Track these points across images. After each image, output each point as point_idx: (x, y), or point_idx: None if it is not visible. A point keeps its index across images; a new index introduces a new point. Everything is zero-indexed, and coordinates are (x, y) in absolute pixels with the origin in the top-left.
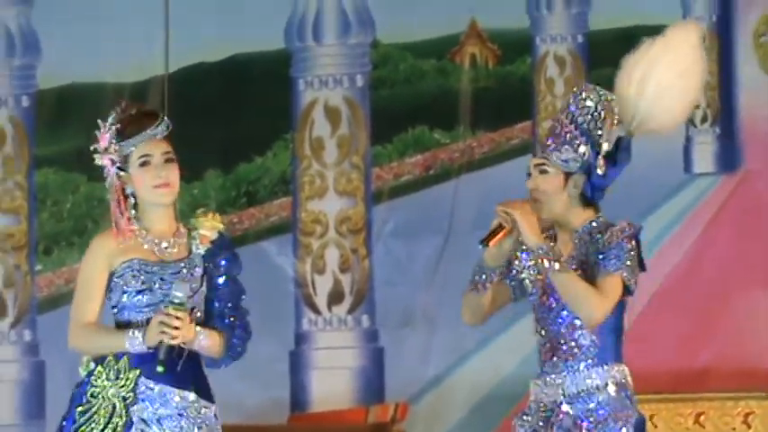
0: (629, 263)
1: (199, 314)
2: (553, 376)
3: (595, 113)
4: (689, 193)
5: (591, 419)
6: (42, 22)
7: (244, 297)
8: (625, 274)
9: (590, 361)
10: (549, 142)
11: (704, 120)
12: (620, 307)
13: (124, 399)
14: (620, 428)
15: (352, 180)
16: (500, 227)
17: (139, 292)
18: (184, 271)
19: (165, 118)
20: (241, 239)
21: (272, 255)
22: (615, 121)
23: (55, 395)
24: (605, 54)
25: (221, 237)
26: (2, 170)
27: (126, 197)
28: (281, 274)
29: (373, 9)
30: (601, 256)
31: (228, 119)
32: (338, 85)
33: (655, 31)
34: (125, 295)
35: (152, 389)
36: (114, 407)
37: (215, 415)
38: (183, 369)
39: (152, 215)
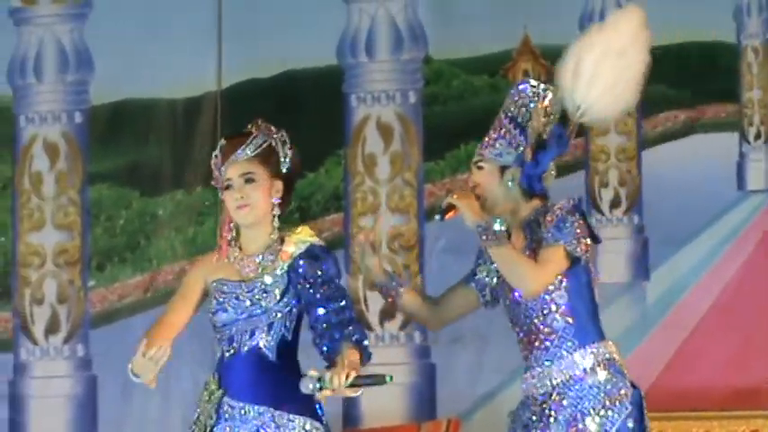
0: (570, 233)
1: (286, 330)
2: (538, 369)
3: (531, 104)
4: (742, 210)
5: (586, 410)
6: (95, 38)
7: (344, 300)
8: (564, 242)
9: (570, 344)
10: (486, 139)
11: (758, 136)
12: (585, 281)
13: (209, 418)
14: (620, 411)
15: (404, 196)
16: (451, 205)
17: (217, 310)
18: (258, 287)
19: (258, 138)
20: None
21: None
22: (547, 111)
23: (107, 410)
24: (658, 71)
25: (309, 248)
26: (56, 186)
27: (230, 220)
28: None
29: (426, 25)
30: (546, 234)
31: None
32: (391, 101)
33: (707, 47)
34: (210, 315)
35: (233, 407)
36: (206, 427)
37: (305, 428)
38: (261, 383)
39: (244, 235)
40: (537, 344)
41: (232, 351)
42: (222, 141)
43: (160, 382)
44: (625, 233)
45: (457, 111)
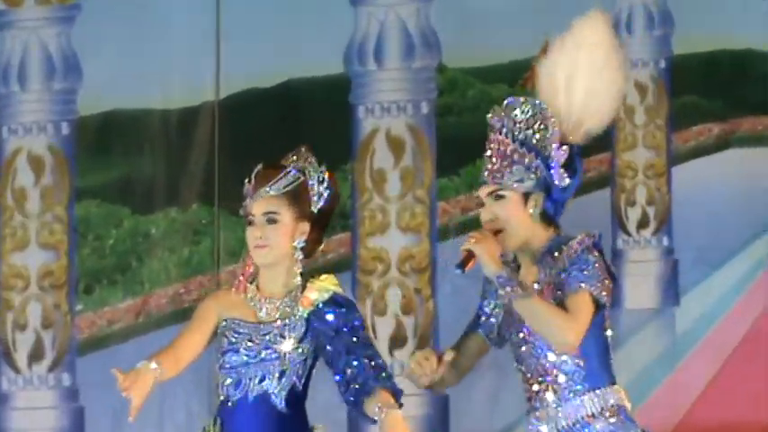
0: (593, 276)
1: (297, 378)
2: (544, 412)
3: (535, 125)
4: None
5: None
6: (84, 43)
7: (371, 348)
8: (591, 288)
9: (579, 387)
10: (497, 166)
11: None
12: (600, 323)
13: None
14: None
15: (416, 215)
16: (471, 252)
17: (228, 351)
18: (274, 332)
19: (290, 175)
20: None
21: None
22: (548, 126)
23: None
24: (689, 80)
25: (333, 296)
26: (41, 202)
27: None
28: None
29: (439, 31)
30: (564, 275)
31: (283, 148)
32: (401, 112)
33: (738, 56)
34: (219, 355)
35: None
36: None
37: None
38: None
39: (263, 275)
40: (543, 385)
41: (238, 396)
42: (258, 168)
43: (153, 413)
44: (653, 255)
45: (473, 123)
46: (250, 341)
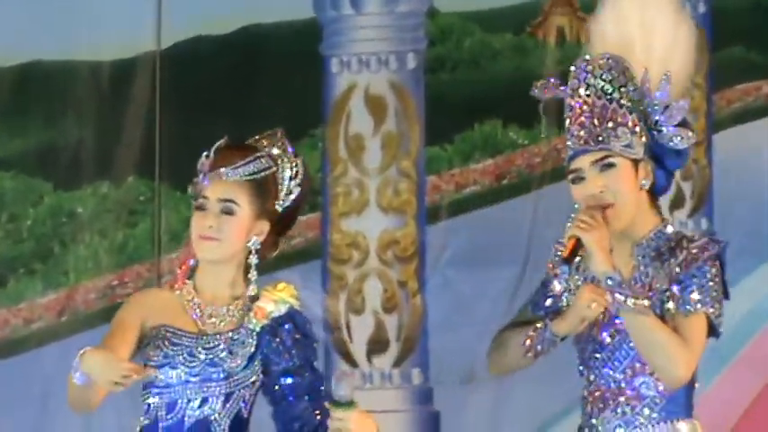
0: (714, 294)
1: (243, 403)
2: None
3: (628, 82)
4: None
5: None
6: None
7: (322, 388)
8: (711, 310)
9: (655, 416)
10: (597, 129)
11: None
12: None
13: None
14: None
15: (400, 192)
16: (577, 241)
17: (163, 365)
18: (221, 346)
19: (261, 161)
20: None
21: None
22: (648, 85)
23: None
24: (734, 29)
25: (291, 312)
26: None
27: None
28: (305, 313)
29: None
30: (677, 287)
31: (238, 110)
32: (383, 66)
33: None
34: (150, 368)
35: None
36: None
37: None
38: None
39: (203, 273)
40: (612, 404)
41: (171, 421)
42: (222, 142)
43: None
44: None
45: (470, 80)
46: (191, 355)
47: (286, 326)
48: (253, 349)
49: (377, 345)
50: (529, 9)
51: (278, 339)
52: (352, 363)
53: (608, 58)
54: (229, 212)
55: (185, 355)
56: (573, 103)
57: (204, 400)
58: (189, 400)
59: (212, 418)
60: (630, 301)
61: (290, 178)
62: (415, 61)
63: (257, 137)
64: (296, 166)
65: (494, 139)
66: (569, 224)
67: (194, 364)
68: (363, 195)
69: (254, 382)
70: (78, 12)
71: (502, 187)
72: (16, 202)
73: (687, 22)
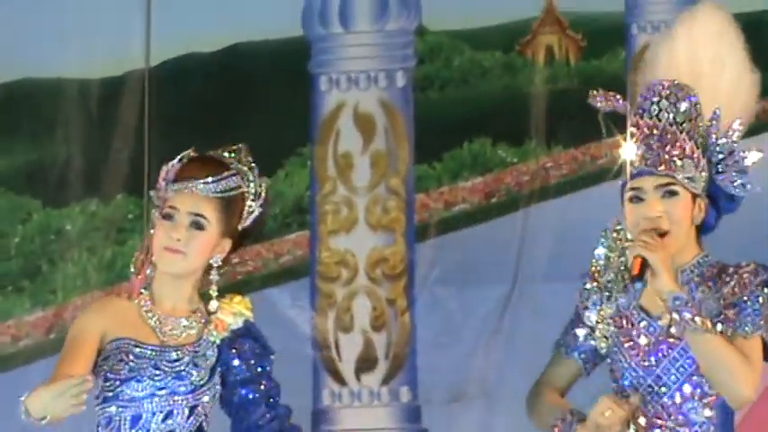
0: (764, 318)
1: (205, 415)
2: None
3: (697, 116)
4: None
5: None
6: None
7: (279, 398)
8: (765, 333)
9: None
10: (665, 155)
11: None
12: None
13: None
14: None
15: (389, 210)
16: (643, 260)
17: (128, 380)
18: (185, 359)
19: (233, 179)
20: (242, 286)
21: (282, 306)
22: (717, 124)
23: None
24: None
25: (249, 325)
26: None
27: (149, 251)
28: (294, 331)
29: None
30: (732, 311)
31: (227, 127)
32: (372, 84)
33: None
34: (106, 383)
35: None
36: None
37: None
38: None
39: (163, 284)
40: (655, 429)
41: None
42: (190, 152)
43: None
44: None
45: (459, 98)
46: (156, 368)
47: (245, 338)
48: (214, 361)
49: (365, 363)
50: (518, 28)
51: (237, 351)
52: (341, 381)
53: (684, 88)
54: (199, 227)
55: (150, 368)
56: (641, 122)
57: (169, 414)
58: (154, 414)
59: (177, 431)
60: (698, 320)
61: (254, 199)
62: (405, 79)
63: (220, 150)
64: (260, 186)
65: (483, 157)
66: (630, 246)
67: (160, 377)
68: (352, 213)
69: (214, 396)
70: (67, 29)
71: (491, 205)
72: (4, 220)
73: (752, 70)
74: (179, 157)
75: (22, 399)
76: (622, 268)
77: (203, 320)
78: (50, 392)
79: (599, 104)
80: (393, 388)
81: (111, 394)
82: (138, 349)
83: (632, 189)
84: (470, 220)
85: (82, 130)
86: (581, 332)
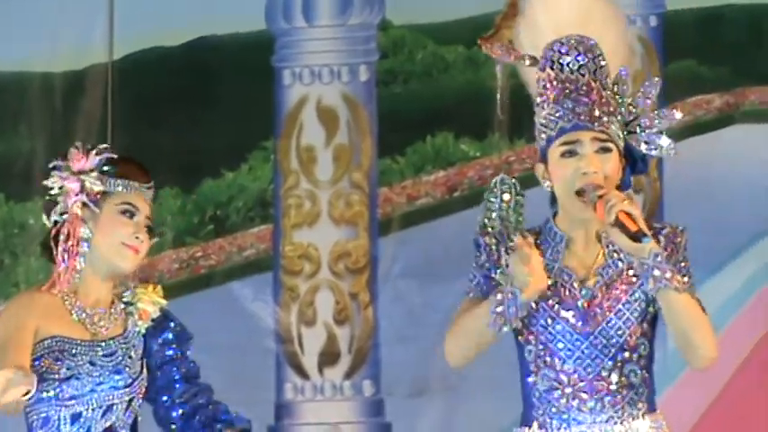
0: (693, 279)
1: (138, 406)
2: (584, 426)
3: (607, 71)
4: None
5: None
6: None
7: (199, 377)
8: (698, 296)
9: (639, 405)
10: (597, 111)
11: None
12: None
13: None
14: None
15: (352, 204)
16: (629, 214)
17: (68, 378)
18: (119, 352)
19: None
20: (206, 280)
21: (245, 300)
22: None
23: None
24: (685, 42)
25: (167, 312)
26: None
27: (78, 240)
28: (257, 325)
29: None
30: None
31: (191, 121)
32: (335, 78)
33: (751, 11)
34: (44, 384)
35: None
36: None
37: None
38: None
39: (95, 277)
40: (590, 398)
41: None
42: (126, 156)
43: None
44: None
45: (422, 92)
46: (92, 364)
47: (165, 323)
48: (141, 353)
49: (328, 356)
50: (481, 22)
51: (160, 337)
52: (304, 374)
53: (595, 44)
54: (151, 232)
55: (87, 365)
56: (561, 75)
57: (108, 409)
58: (94, 410)
59: (117, 425)
60: (678, 277)
61: None
62: (368, 73)
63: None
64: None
65: (445, 151)
66: (611, 204)
67: (98, 373)
68: (315, 207)
69: (145, 384)
70: (31, 23)
71: (453, 199)
72: None
73: (627, 28)
74: (98, 148)
75: None
76: (519, 222)
77: (123, 311)
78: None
79: (495, 57)
80: (356, 382)
81: (48, 394)
82: (72, 347)
83: (567, 143)
84: (433, 214)
85: (45, 123)
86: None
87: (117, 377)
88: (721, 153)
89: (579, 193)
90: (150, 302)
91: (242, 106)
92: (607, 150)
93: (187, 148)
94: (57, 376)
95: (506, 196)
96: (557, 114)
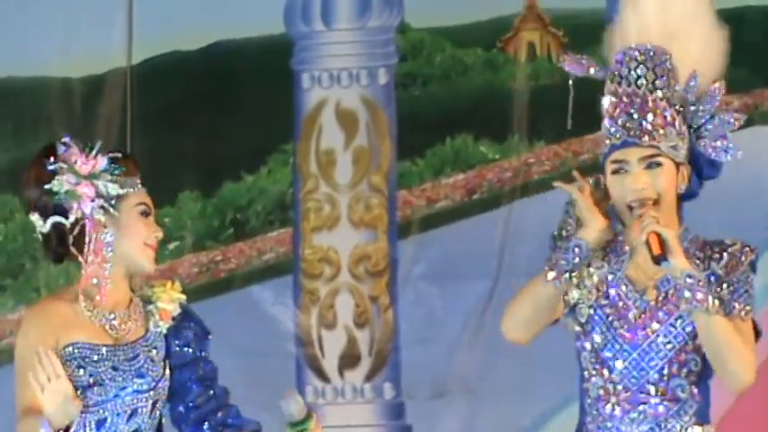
0: (753, 298)
1: (162, 408)
2: None
3: (672, 79)
4: None
5: None
6: None
7: (215, 381)
8: (755, 316)
9: (687, 419)
10: (648, 124)
11: None
12: None
13: None
14: None
15: (371, 207)
16: (659, 236)
17: (92, 386)
18: (141, 356)
19: None
20: (226, 283)
21: (266, 303)
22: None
23: None
24: None
25: (187, 308)
26: None
27: (103, 246)
28: (277, 328)
29: None
30: (726, 290)
31: (209, 125)
32: (354, 81)
33: (763, 13)
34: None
35: None
36: None
37: None
38: None
39: (116, 279)
40: (638, 409)
41: None
42: (119, 151)
43: None
44: None
45: (441, 94)
46: (115, 370)
47: (186, 323)
48: (164, 354)
49: (348, 359)
50: (499, 24)
51: (181, 337)
52: (324, 377)
53: (661, 52)
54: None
55: (110, 370)
56: (619, 89)
57: (134, 413)
58: (118, 414)
59: (142, 428)
60: (710, 299)
61: None
62: (387, 76)
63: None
64: None
65: (465, 153)
66: (644, 225)
67: (121, 377)
68: (335, 210)
69: (168, 387)
70: (50, 28)
71: (473, 202)
72: None
73: (719, 28)
74: (97, 148)
75: (47, 412)
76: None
77: (143, 310)
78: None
79: (568, 68)
80: (376, 384)
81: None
82: (94, 353)
83: (616, 161)
84: (453, 216)
85: (65, 128)
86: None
87: (140, 381)
88: (740, 154)
89: (630, 208)
90: (169, 300)
91: (261, 110)
92: (657, 165)
93: (207, 152)
94: (81, 383)
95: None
96: (611, 130)
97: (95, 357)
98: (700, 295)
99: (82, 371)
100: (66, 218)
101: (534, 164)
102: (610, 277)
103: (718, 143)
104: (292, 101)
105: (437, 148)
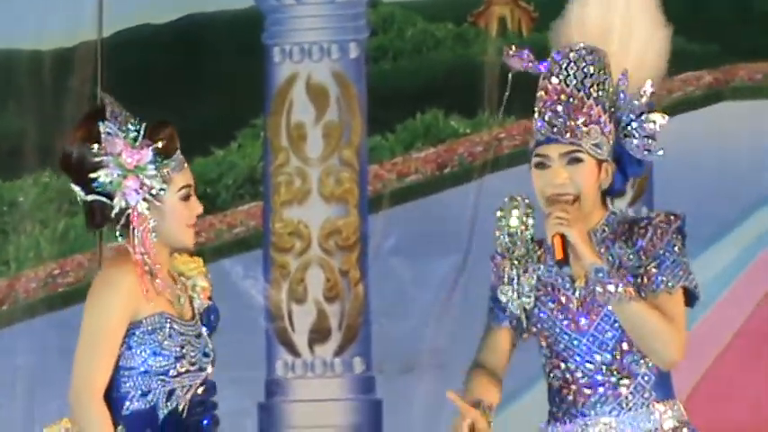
0: (685, 265)
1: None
2: (588, 420)
3: (606, 80)
4: None
5: None
6: None
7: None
8: (686, 283)
9: (647, 394)
10: (571, 122)
11: None
12: None
13: None
14: None
15: (342, 181)
16: (563, 237)
17: (179, 358)
18: (204, 335)
19: None
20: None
21: (236, 277)
22: (626, 86)
23: None
24: (675, 20)
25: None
26: None
27: (149, 233)
28: (247, 302)
29: None
30: (653, 263)
31: (181, 98)
32: (325, 55)
33: None
34: (156, 358)
35: None
36: None
37: None
38: None
39: (162, 258)
40: (597, 392)
41: (168, 409)
42: (159, 126)
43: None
44: None
45: (412, 69)
46: (191, 345)
47: (213, 306)
48: (208, 332)
49: (319, 333)
50: None
51: (216, 318)
52: (294, 352)
53: (593, 51)
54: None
55: (189, 345)
56: (549, 86)
57: (189, 388)
58: (183, 388)
59: (195, 403)
60: (621, 289)
61: None
62: (357, 51)
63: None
64: None
65: (435, 127)
66: (549, 226)
67: (194, 354)
68: (305, 184)
69: None
70: (20, 1)
71: (443, 176)
72: None
73: (663, 28)
74: (144, 129)
75: None
76: (530, 239)
77: (183, 287)
78: None
79: (509, 63)
80: (346, 359)
81: (158, 369)
82: (180, 326)
83: (538, 156)
84: (423, 190)
85: (35, 101)
86: (503, 298)
87: (205, 360)
88: (711, 129)
89: (549, 201)
90: (204, 277)
91: (231, 84)
92: (577, 161)
93: (176, 126)
94: (173, 354)
95: (513, 221)
96: (537, 125)
97: (181, 331)
98: (611, 287)
99: (172, 340)
100: (111, 199)
101: (505, 138)
102: (547, 274)
103: (644, 142)
104: (263, 75)
105: (408, 123)
